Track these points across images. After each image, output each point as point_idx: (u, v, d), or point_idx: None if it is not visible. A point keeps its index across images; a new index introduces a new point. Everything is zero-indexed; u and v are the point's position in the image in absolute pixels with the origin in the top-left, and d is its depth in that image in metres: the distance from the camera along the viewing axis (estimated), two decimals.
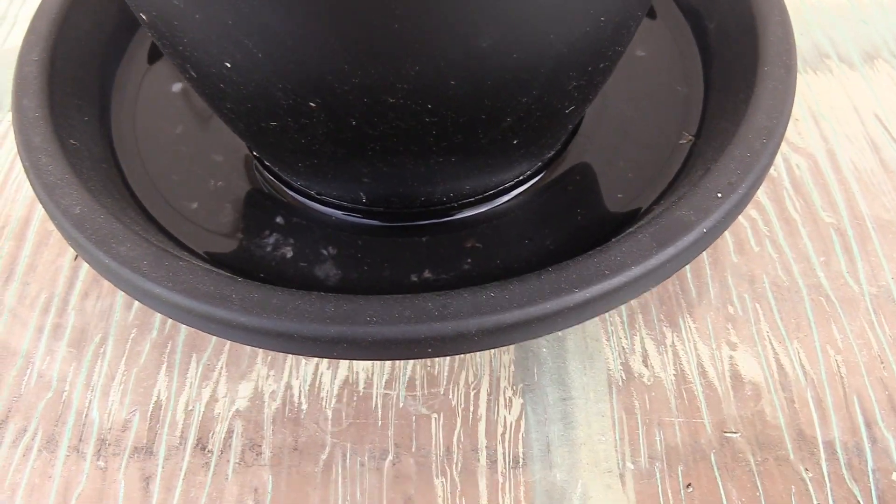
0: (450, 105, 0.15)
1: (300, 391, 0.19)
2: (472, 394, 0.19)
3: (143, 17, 0.15)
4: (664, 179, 0.20)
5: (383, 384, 0.19)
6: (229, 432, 0.18)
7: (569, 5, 0.13)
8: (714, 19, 0.22)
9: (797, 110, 0.24)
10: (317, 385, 0.19)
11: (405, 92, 0.14)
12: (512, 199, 0.20)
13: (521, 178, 0.20)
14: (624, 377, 0.19)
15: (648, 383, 0.19)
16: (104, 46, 0.22)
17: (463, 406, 0.19)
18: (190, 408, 0.19)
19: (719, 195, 0.17)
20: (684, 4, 0.23)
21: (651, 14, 0.24)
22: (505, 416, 0.19)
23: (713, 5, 0.22)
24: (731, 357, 0.19)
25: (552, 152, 0.20)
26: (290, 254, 0.19)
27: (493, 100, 0.15)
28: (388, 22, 0.12)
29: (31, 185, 0.18)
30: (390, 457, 0.18)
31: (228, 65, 0.14)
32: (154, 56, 0.24)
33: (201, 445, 0.18)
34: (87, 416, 0.19)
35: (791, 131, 0.24)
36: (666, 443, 0.18)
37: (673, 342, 0.20)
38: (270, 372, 0.19)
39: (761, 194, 0.22)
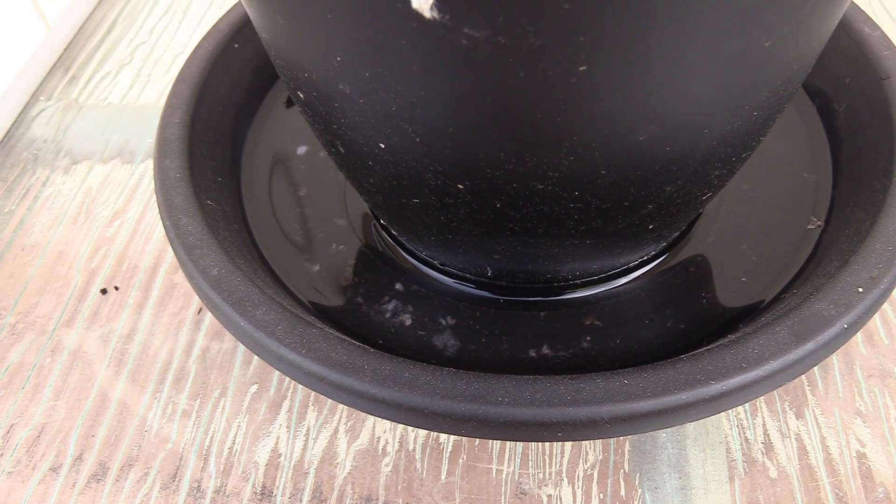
0: (596, 192, 0.15)
1: (414, 458, 0.19)
2: (588, 475, 0.19)
3: (301, 96, 0.16)
4: (792, 266, 0.19)
5: (496, 457, 0.19)
6: (343, 495, 0.19)
7: (726, 102, 0.13)
8: (843, 102, 0.22)
9: None
10: (431, 452, 0.19)
11: (555, 179, 0.14)
12: (634, 279, 0.20)
13: (645, 258, 0.20)
14: (746, 468, 0.18)
15: (773, 476, 0.18)
16: (237, 110, 0.23)
17: (579, 488, 0.18)
18: (306, 468, 0.19)
19: (860, 290, 0.16)
20: (810, 86, 0.23)
21: None
22: (621, 502, 0.18)
23: (842, 88, 0.22)
24: (860, 454, 0.18)
25: (677, 233, 0.20)
26: (408, 321, 0.20)
27: (639, 188, 0.15)
28: (552, 117, 0.13)
29: (171, 244, 0.19)
30: None
31: (383, 145, 0.15)
32: (282, 118, 0.25)
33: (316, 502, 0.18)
34: (203, 469, 0.19)
35: None
36: None
37: (798, 434, 0.19)
38: (386, 436, 0.19)
39: None
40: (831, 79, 0.22)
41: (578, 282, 0.19)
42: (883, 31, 0.22)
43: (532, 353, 0.19)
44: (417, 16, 0.12)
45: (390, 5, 0.12)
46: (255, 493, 0.19)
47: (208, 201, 0.20)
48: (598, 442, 0.19)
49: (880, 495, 0.18)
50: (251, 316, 0.17)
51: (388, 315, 0.20)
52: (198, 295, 0.18)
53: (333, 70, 0.14)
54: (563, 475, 0.19)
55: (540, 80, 0.12)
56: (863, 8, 0.22)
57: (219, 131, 0.23)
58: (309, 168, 0.23)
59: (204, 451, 0.20)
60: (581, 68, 0.12)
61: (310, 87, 0.15)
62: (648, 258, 0.20)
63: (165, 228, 0.19)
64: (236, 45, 0.24)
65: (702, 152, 0.15)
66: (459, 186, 0.15)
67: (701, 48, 0.12)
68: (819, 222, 0.20)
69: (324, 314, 0.20)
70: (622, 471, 0.18)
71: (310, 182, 0.23)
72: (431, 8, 0.11)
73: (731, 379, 0.15)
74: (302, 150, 0.24)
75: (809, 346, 0.16)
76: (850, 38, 0.22)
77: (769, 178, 0.22)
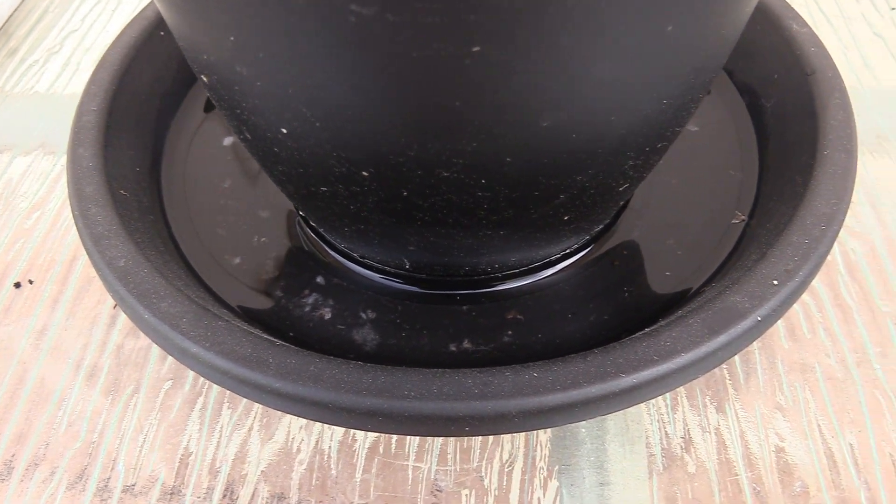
0: (504, 181, 0.14)
1: (329, 456, 0.19)
2: (506, 472, 0.18)
3: (205, 79, 0.15)
4: (715, 260, 0.19)
5: (414, 454, 0.19)
6: (255, 494, 0.18)
7: (631, 89, 0.13)
8: (771, 98, 0.22)
9: (853, 193, 0.24)
10: (347, 450, 0.19)
11: (460, 167, 0.14)
12: (557, 272, 0.20)
13: (567, 251, 0.19)
14: (666, 463, 0.18)
15: (691, 472, 0.18)
16: (161, 99, 0.23)
17: (496, 485, 0.18)
18: (217, 466, 0.18)
19: (775, 282, 0.16)
20: (740, 82, 0.23)
21: None
22: (539, 499, 0.18)
23: (770, 84, 0.22)
24: (779, 448, 0.18)
25: (601, 226, 0.20)
26: (328, 315, 0.19)
27: (548, 177, 0.15)
28: (450, 100, 0.12)
29: (79, 234, 0.18)
30: None
31: (284, 130, 0.14)
32: (208, 109, 0.24)
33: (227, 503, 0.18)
34: (113, 468, 0.19)
35: (847, 214, 0.23)
36: None
37: (718, 428, 0.19)
38: (301, 434, 0.19)
39: (815, 278, 0.21)
40: (760, 75, 0.22)
41: (500, 275, 0.19)
42: (811, 29, 0.22)
43: (452, 348, 0.18)
44: None
45: None
46: (165, 492, 0.18)
47: (122, 191, 0.19)
48: (518, 437, 0.19)
49: (797, 489, 0.18)
50: (156, 308, 0.16)
51: (307, 309, 0.19)
52: (104, 286, 0.18)
53: (228, 51, 0.13)
54: (481, 471, 0.18)
55: (434, 62, 0.12)
56: (800, 11, 0.22)
57: (141, 120, 0.22)
58: (235, 159, 0.23)
59: (114, 450, 0.19)
60: (475, 49, 0.12)
61: (210, 70, 0.14)
62: (571, 251, 0.20)
63: (74, 218, 0.18)
64: (162, 33, 0.23)
65: (611, 141, 0.14)
66: (364, 174, 0.14)
67: (597, 30, 0.12)
68: (743, 217, 0.20)
69: (241, 307, 0.19)
70: (540, 467, 0.18)
71: (234, 174, 0.22)
72: None
73: (642, 372, 0.15)
74: (228, 141, 0.23)
75: (722, 338, 0.16)
76: (779, 35, 0.22)
77: (697, 173, 0.22)
